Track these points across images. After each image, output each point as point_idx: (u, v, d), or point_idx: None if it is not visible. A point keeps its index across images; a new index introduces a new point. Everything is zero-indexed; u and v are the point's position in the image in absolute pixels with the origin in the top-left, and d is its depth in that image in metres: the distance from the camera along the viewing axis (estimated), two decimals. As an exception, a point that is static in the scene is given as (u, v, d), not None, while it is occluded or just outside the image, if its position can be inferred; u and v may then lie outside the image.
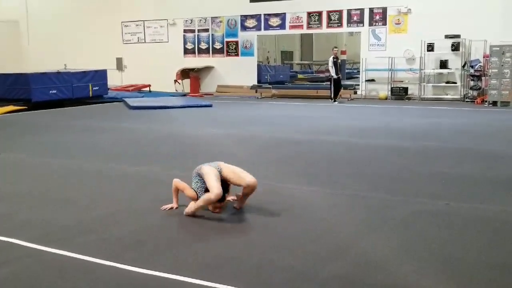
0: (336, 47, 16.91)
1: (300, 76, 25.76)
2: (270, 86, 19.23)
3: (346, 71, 27.82)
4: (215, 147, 8.30)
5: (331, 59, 16.28)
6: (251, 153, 7.74)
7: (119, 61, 22.00)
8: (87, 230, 4.24)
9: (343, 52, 27.24)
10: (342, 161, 7.14)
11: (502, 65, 14.32)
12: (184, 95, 19.31)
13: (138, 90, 20.11)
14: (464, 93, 16.19)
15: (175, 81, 20.02)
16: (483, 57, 15.45)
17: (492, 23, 15.02)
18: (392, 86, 17.13)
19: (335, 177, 6.14)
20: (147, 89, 20.37)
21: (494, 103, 14.41)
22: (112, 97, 17.44)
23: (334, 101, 16.23)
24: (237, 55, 20.04)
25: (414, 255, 3.63)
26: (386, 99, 16.81)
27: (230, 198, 4.88)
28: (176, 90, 20.19)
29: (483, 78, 15.46)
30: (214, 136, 9.46)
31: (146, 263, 3.50)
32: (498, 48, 14.39)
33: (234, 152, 7.80)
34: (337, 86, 16.41)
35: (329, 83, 16.98)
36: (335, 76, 16.15)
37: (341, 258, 3.60)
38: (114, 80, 20.61)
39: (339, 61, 16.73)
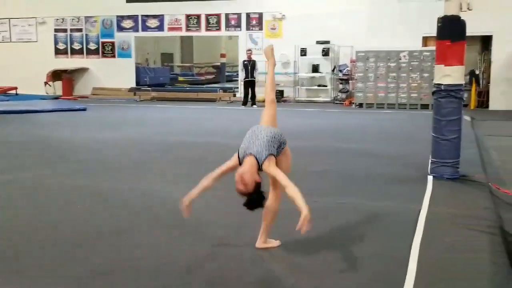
0: (249, 50, 16.24)
1: (180, 78, 25.64)
2: (150, 88, 18.96)
3: (226, 74, 28.27)
4: (88, 152, 8.04)
5: (241, 61, 16.33)
6: (129, 158, 7.61)
7: (-19, 62, 20.33)
8: None
9: (222, 55, 27.66)
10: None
11: (367, 70, 15.50)
12: (56, 98, 18.36)
13: (4, 93, 18.70)
14: (334, 95, 17.25)
15: (46, 83, 18.99)
16: (350, 62, 16.60)
17: (357, 30, 16.16)
18: (269, 89, 17.70)
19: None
20: (14, 92, 19.03)
21: (360, 105, 15.55)
22: (-27, 101, 16.05)
23: (243, 104, 15.80)
24: (113, 56, 19.50)
25: (290, 250, 3.83)
26: (263, 101, 17.33)
27: None
28: (47, 93, 19.13)
29: (350, 81, 16.62)
30: (87, 140, 9.12)
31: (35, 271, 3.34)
32: (363, 54, 15.56)
33: (111, 156, 7.63)
34: (247, 89, 15.80)
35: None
36: (242, 79, 16.03)
37: (217, 255, 3.72)
38: (-24, 82, 19.02)
39: (250, 62, 15.64)
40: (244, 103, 15.93)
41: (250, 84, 15.86)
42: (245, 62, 15.95)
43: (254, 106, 15.75)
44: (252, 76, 15.78)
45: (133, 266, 3.53)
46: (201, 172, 3.89)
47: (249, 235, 3.98)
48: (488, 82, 15.88)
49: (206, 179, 3.71)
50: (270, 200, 3.70)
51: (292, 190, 3.37)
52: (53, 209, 4.91)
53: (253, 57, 15.86)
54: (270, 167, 3.49)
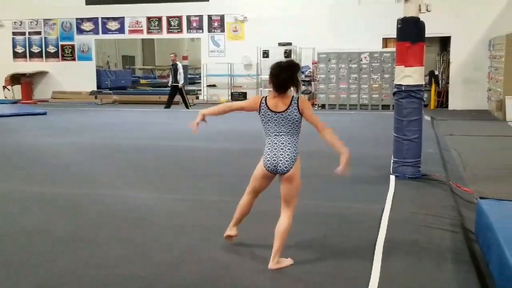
0: (172, 53, 16.05)
1: (142, 81, 25.34)
2: (111, 91, 18.65)
3: (189, 76, 28.12)
4: (51, 157, 7.83)
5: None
6: (91, 163, 7.44)
7: None
8: None
9: (184, 58, 27.42)
10: (185, 165, 7.20)
11: (329, 71, 15.66)
12: (15, 102, 17.89)
13: (-40, 97, 18.15)
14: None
15: (4, 87, 18.49)
16: (312, 64, 16.72)
17: (319, 32, 16.28)
18: (232, 91, 17.72)
19: (180, 183, 6.17)
20: (-30, 96, 18.49)
21: (323, 106, 15.68)
22: None
23: (167, 107, 15.58)
24: (73, 59, 19.12)
25: (257, 254, 3.82)
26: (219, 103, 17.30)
27: None
28: (6, 97, 18.63)
29: (312, 83, 16.74)
30: (49, 145, 8.89)
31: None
32: (325, 55, 15.71)
33: (73, 161, 7.45)
34: (172, 92, 15.58)
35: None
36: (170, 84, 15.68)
37: (190, 263, 3.65)
38: None
39: (173, 66, 15.36)
40: (166, 106, 15.62)
41: (173, 89, 15.50)
42: (170, 67, 15.71)
43: (189, 110, 15.38)
44: (176, 81, 15.37)
45: (102, 273, 3.45)
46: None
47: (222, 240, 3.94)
48: (447, 82, 16.28)
49: (225, 106, 3.84)
50: (283, 219, 3.55)
51: (330, 134, 3.46)
52: (15, 217, 4.75)
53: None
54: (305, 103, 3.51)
